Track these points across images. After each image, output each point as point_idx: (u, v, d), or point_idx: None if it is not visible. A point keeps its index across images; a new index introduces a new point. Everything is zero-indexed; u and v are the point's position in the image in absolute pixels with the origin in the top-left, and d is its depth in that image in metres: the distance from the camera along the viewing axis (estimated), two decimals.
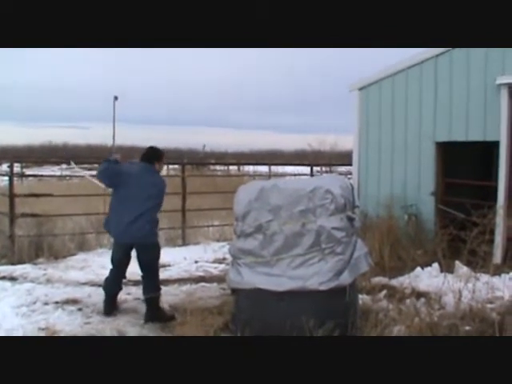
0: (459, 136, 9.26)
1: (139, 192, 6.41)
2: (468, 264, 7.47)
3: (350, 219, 5.17)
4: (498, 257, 8.62)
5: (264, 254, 5.20)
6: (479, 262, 7.69)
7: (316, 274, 5.00)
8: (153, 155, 6.77)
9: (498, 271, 7.51)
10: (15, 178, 10.27)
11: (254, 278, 5.20)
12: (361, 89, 10.51)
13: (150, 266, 6.63)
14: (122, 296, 6.98)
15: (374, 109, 10.36)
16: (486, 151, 11.46)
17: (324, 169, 22.20)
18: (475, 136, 9.07)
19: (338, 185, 5.17)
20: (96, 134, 57.27)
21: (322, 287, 4.97)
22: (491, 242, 8.11)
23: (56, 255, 9.52)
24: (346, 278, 5.04)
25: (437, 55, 9.32)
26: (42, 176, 14.04)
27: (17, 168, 15.68)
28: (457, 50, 9.02)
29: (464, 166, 10.92)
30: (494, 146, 9.35)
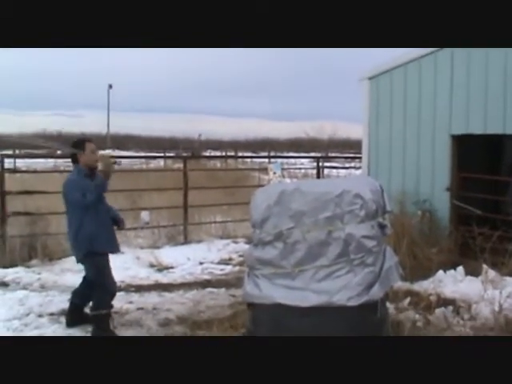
0: (477, 129, 8.71)
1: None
2: (493, 265, 7.03)
3: (382, 226, 4.64)
4: None
5: (284, 265, 4.64)
6: (504, 262, 7.28)
7: (344, 288, 4.46)
8: (72, 152, 5.75)
9: None
10: (6, 174, 9.64)
11: (273, 292, 4.65)
12: (371, 78, 9.97)
13: (93, 281, 5.83)
14: (123, 305, 6.46)
15: (385, 99, 9.80)
16: (492, 143, 10.90)
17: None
18: (494, 129, 8.52)
19: (368, 188, 4.61)
20: (90, 122, 56.54)
21: (351, 302, 4.42)
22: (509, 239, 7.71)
23: (51, 256, 8.89)
24: (376, 292, 4.49)
25: None
26: (34, 172, 13.29)
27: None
28: None
29: (471, 158, 10.37)
30: (502, 137, 8.81)
